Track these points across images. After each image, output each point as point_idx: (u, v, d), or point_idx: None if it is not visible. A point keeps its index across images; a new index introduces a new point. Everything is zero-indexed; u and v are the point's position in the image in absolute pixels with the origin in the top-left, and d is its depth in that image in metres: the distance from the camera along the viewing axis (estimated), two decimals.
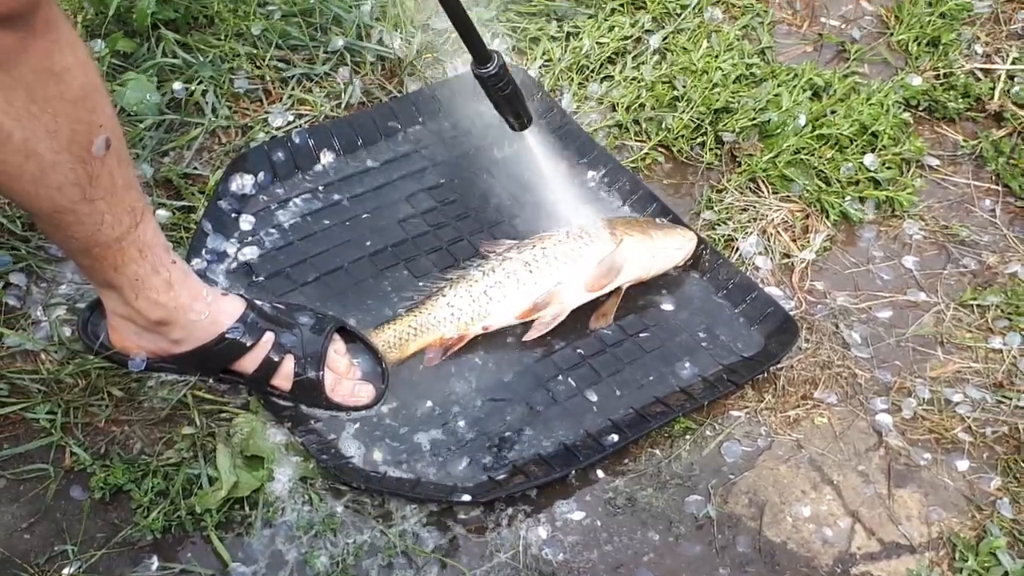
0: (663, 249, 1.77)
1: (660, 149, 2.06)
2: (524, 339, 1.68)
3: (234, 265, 1.74)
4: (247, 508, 1.47)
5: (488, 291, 1.67)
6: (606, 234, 1.73)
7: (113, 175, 1.28)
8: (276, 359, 1.53)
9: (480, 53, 1.50)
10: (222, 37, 2.03)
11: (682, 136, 2.05)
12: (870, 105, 2.08)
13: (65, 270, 1.69)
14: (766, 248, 1.89)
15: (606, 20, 2.23)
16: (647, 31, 2.23)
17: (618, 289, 1.74)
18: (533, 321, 1.69)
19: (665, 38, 2.22)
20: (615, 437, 1.58)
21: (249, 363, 1.53)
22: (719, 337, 1.74)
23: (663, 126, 2.06)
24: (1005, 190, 2.10)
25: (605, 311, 1.73)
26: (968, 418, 1.70)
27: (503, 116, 1.62)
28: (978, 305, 1.86)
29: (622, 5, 2.28)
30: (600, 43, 2.19)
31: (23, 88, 1.14)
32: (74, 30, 1.20)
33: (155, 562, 1.41)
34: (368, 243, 1.79)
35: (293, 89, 2.02)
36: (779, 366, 1.72)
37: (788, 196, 1.97)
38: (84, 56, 1.21)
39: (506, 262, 1.70)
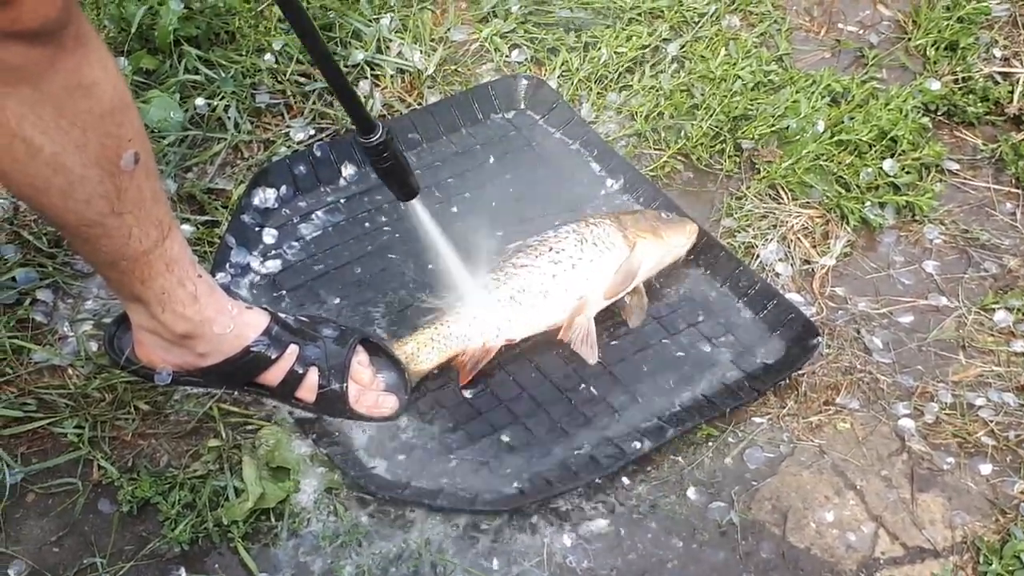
0: (673, 247, 1.79)
1: (679, 157, 2.06)
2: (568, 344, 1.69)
3: (258, 278, 1.75)
4: (273, 519, 1.48)
5: (510, 303, 1.68)
6: (620, 239, 1.74)
7: (141, 189, 1.29)
8: (300, 371, 1.54)
9: (363, 123, 1.44)
10: (244, 53, 2.04)
11: (701, 144, 2.06)
12: (889, 110, 2.08)
13: (91, 285, 1.71)
14: (786, 254, 1.90)
15: (624, 30, 2.24)
16: (665, 40, 2.24)
17: (637, 288, 1.75)
18: (553, 331, 1.70)
19: (683, 46, 2.22)
20: (638, 445, 1.58)
21: (274, 376, 1.54)
22: (740, 344, 1.74)
23: (682, 134, 2.07)
24: None
25: (633, 308, 1.75)
26: (991, 422, 1.70)
27: (387, 186, 1.57)
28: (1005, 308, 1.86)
29: (639, 15, 2.29)
30: (618, 53, 2.19)
31: (52, 103, 1.15)
32: (104, 45, 1.21)
33: (183, 573, 1.43)
34: (391, 255, 1.81)
35: (314, 103, 2.03)
36: (801, 372, 1.72)
37: (808, 202, 1.98)
38: (113, 71, 1.21)
39: (527, 274, 1.70)
